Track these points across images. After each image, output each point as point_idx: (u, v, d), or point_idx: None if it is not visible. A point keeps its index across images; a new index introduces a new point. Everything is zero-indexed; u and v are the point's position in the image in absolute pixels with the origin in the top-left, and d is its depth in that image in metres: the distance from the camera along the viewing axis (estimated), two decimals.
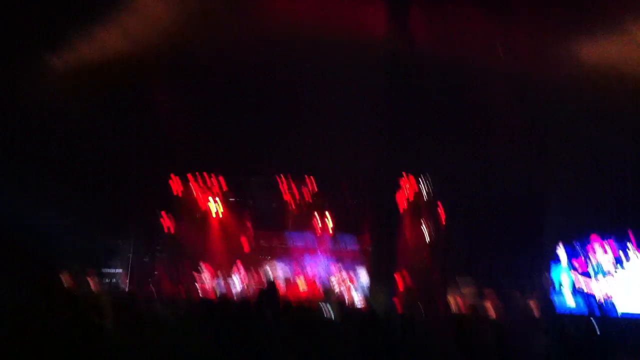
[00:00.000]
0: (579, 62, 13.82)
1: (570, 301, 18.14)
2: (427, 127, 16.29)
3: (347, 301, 19.42)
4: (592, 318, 15.92)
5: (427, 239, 20.83)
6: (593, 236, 18.15)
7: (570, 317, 16.49)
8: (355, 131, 17.35)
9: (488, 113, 15.57)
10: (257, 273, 22.39)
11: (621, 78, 13.73)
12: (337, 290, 21.06)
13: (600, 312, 16.92)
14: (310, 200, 23.79)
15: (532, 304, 17.55)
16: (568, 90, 14.68)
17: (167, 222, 21.70)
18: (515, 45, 13.97)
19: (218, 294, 19.25)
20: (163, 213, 21.50)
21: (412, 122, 16.08)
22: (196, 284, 21.21)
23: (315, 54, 15.63)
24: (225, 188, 23.34)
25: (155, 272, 20.67)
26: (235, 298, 17.07)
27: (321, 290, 20.00)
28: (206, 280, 22.30)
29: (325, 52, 15.43)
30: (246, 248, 24.41)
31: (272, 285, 17.23)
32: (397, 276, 19.22)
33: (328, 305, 13.03)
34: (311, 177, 22.67)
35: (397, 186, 19.16)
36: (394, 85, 15.54)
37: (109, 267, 19.57)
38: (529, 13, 13.59)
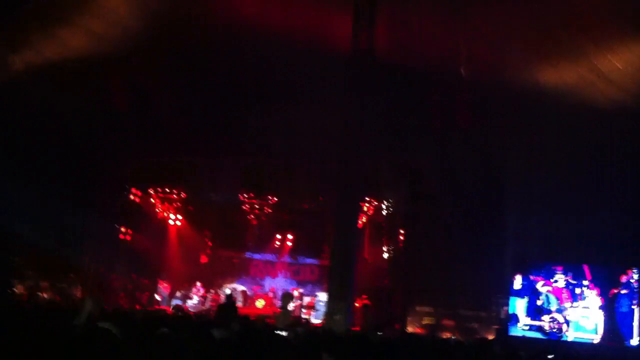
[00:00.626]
0: (536, 82, 14.12)
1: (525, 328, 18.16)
2: (385, 146, 16.37)
3: (304, 320, 19.25)
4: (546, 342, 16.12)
5: (387, 259, 20.83)
6: (554, 268, 18.28)
7: (524, 341, 16.56)
8: (319, 147, 17.34)
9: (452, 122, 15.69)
10: (216, 292, 22.22)
11: (578, 100, 14.07)
12: (293, 309, 20.90)
13: (554, 337, 17.00)
14: (272, 220, 23.74)
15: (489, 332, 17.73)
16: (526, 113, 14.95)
17: (124, 233, 21.37)
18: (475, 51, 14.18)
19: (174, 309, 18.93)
20: (121, 224, 21.16)
21: (372, 139, 16.15)
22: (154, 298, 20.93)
23: (286, 66, 15.67)
24: (185, 202, 23.11)
25: (112, 285, 20.27)
26: (192, 314, 16.80)
27: (280, 297, 19.84)
28: (163, 295, 22.03)
29: (293, 66, 15.49)
30: (205, 266, 24.23)
31: (230, 299, 17.13)
32: (355, 296, 19.23)
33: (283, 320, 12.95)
34: (273, 196, 22.52)
35: (358, 206, 19.21)
36: (356, 94, 15.60)
37: (64, 277, 19.17)
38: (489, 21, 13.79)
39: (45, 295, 17.59)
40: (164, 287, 22.48)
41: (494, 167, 17.61)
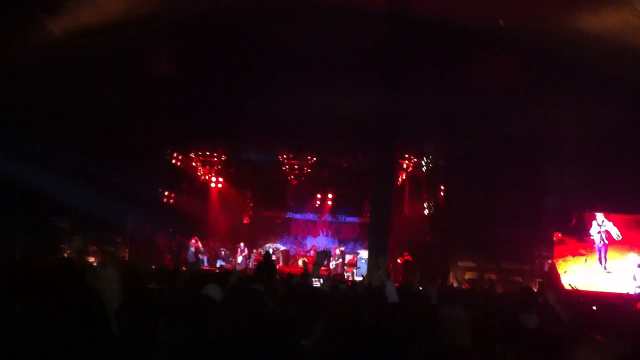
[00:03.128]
0: (580, 30, 13.67)
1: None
2: (427, 99, 16.16)
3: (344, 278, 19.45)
4: None
5: (427, 215, 20.80)
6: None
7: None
8: (357, 105, 17.25)
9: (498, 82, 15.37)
10: (259, 252, 22.53)
11: (622, 47, 13.60)
12: (335, 266, 21.13)
13: None
14: (312, 179, 23.86)
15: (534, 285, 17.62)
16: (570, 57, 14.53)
17: (167, 196, 21.78)
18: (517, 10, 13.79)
19: (218, 268, 19.27)
20: (164, 187, 21.56)
21: (413, 95, 16.01)
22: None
23: (318, 26, 15.54)
24: (226, 163, 23.38)
25: (156, 244, 20.72)
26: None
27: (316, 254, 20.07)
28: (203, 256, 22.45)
29: (324, 22, 15.34)
30: (247, 226, 24.56)
31: (268, 256, 17.35)
32: (396, 251, 19.33)
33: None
34: (312, 155, 22.59)
35: (396, 163, 19.17)
36: (393, 54, 15.46)
37: (110, 238, 19.66)
38: None
39: (92, 259, 18.07)
40: (208, 248, 22.87)
41: (536, 121, 17.30)
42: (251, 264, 21.62)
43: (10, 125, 14.48)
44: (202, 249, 21.84)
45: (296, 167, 23.27)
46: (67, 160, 16.33)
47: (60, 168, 16.18)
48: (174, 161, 22.01)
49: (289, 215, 24.97)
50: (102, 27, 14.12)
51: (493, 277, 18.44)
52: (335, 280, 15.52)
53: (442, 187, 20.01)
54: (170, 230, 21.47)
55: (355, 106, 16.82)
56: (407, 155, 20.89)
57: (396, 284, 15.66)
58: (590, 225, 18.26)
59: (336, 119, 18.30)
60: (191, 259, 20.28)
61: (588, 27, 13.65)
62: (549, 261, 18.83)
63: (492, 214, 18.34)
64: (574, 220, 18.44)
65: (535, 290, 15.63)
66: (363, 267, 20.49)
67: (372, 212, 18.17)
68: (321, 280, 14.02)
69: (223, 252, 22.84)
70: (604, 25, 13.51)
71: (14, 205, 15.31)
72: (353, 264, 21.76)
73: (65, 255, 17.82)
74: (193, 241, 21.62)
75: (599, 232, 18.13)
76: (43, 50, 14.12)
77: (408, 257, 18.91)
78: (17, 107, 14.73)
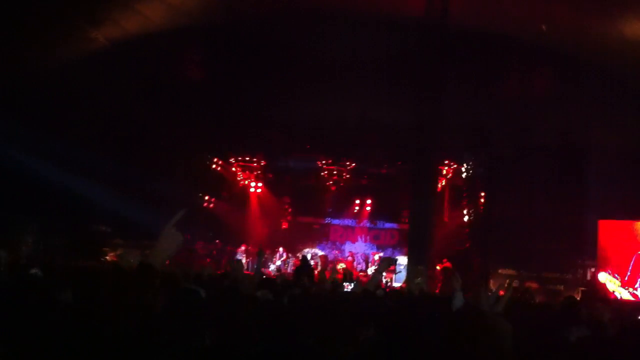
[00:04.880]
0: (618, 40, 13.46)
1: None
2: (470, 106, 16.08)
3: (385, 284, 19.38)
4: None
5: (467, 222, 20.62)
6: None
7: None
8: (396, 113, 17.24)
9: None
10: (297, 257, 22.58)
11: None
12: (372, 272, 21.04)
13: None
14: (351, 185, 23.88)
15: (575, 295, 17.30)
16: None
17: (207, 201, 22.02)
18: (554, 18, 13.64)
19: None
20: (204, 192, 21.81)
21: (453, 103, 15.95)
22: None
23: (357, 35, 15.61)
24: (265, 170, 23.58)
25: (194, 248, 20.90)
26: (274, 277, 17.17)
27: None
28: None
29: (365, 35, 15.42)
30: (285, 231, 24.65)
31: (305, 261, 17.43)
32: (435, 259, 19.17)
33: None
34: (351, 161, 22.65)
35: (436, 169, 19.05)
36: (432, 63, 15.42)
37: (150, 243, 19.89)
38: None
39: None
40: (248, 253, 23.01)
41: (575, 129, 17.06)
42: (289, 268, 21.68)
43: (57, 133, 14.81)
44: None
45: (335, 173, 23.32)
46: (110, 168, 16.65)
47: (104, 176, 16.50)
48: (214, 166, 22.26)
49: (327, 220, 24.99)
50: (144, 36, 14.38)
51: (534, 286, 18.18)
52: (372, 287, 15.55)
53: (483, 195, 19.81)
54: (210, 235, 21.67)
55: (394, 114, 16.84)
56: (446, 162, 20.77)
57: (437, 291, 15.53)
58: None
59: (375, 126, 18.33)
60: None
61: (627, 37, 13.44)
62: (592, 269, 18.50)
63: (533, 222, 18.12)
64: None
65: (579, 299, 15.49)
66: (401, 274, 20.38)
67: (411, 220, 18.09)
68: (352, 285, 14.04)
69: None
70: None
71: (59, 211, 15.66)
72: (392, 270, 21.64)
73: (107, 258, 18.18)
74: (242, 248, 21.81)
75: None
76: (87, 58, 14.43)
77: (447, 264, 18.76)
78: (62, 116, 15.07)
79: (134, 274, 3.23)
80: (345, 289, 12.53)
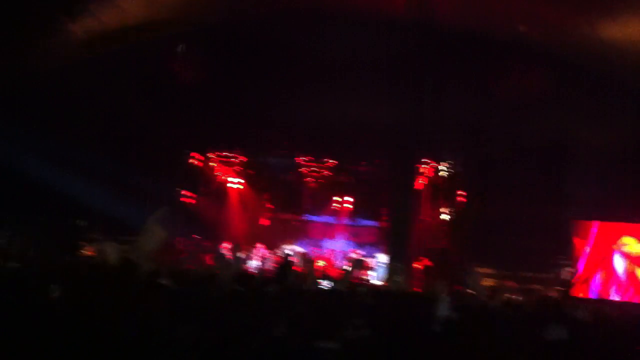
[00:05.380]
0: (604, 41, 13.57)
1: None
2: (448, 101, 16.10)
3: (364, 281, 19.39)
4: None
5: (446, 220, 20.71)
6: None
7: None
8: (377, 111, 17.25)
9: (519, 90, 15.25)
10: (276, 254, 22.49)
11: None
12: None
13: None
14: (330, 183, 23.85)
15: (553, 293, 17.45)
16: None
17: (185, 196, 21.87)
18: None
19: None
20: (183, 187, 21.66)
21: (433, 101, 15.98)
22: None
23: (342, 33, 15.61)
24: (245, 165, 23.46)
25: (172, 243, 20.74)
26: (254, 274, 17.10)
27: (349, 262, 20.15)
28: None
29: (349, 25, 15.40)
30: (265, 228, 24.55)
31: (286, 258, 17.41)
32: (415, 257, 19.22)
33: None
34: (331, 158, 22.63)
35: (415, 168, 19.10)
36: (416, 62, 15.45)
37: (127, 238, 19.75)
38: None
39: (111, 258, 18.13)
40: (225, 249, 22.87)
41: (558, 130, 17.19)
42: (268, 264, 21.57)
43: (38, 128, 14.65)
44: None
45: (315, 170, 23.26)
46: (88, 162, 16.49)
47: (81, 169, 16.34)
48: (192, 161, 22.09)
49: (307, 217, 24.94)
50: (125, 31, 14.26)
51: (511, 284, 18.30)
52: (352, 283, 15.57)
53: (462, 193, 19.89)
54: (188, 230, 21.50)
55: (376, 112, 16.84)
56: (426, 160, 20.81)
57: (416, 289, 15.55)
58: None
59: (355, 123, 18.33)
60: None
61: (612, 38, 13.56)
62: (569, 269, 18.66)
63: (511, 222, 18.23)
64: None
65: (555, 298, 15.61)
66: (380, 271, 20.41)
67: (391, 218, 18.11)
68: (328, 283, 13.99)
69: (239, 254, 22.79)
70: (629, 37, 13.42)
71: (39, 207, 15.50)
72: (369, 268, 21.66)
73: (85, 252, 18.00)
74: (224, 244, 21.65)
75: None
76: (70, 55, 14.28)
77: (427, 263, 18.83)
78: (45, 111, 14.91)
79: (115, 269, 3.18)
80: (321, 286, 12.52)
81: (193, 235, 21.71)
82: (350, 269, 17.30)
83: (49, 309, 3.53)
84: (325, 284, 13.80)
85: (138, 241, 3.80)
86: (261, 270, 20.28)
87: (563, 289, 17.95)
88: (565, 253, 18.83)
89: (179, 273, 8.35)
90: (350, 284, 14.76)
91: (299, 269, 19.15)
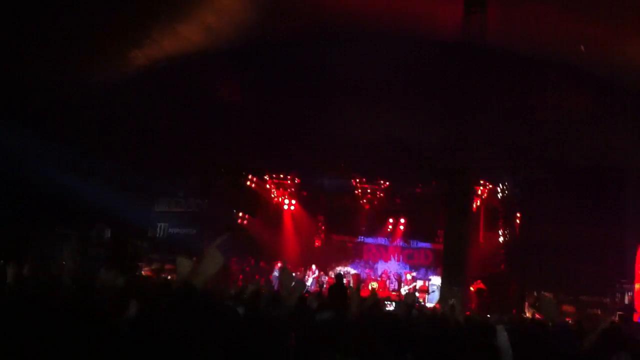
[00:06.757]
0: None
1: None
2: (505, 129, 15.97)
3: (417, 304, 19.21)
4: None
5: (502, 243, 20.40)
6: None
7: None
8: (430, 133, 17.21)
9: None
10: (330, 275, 22.54)
11: None
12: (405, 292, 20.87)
13: None
14: (384, 205, 23.86)
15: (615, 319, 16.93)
16: None
17: (241, 217, 22.15)
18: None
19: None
20: (239, 209, 21.95)
21: (491, 124, 15.87)
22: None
23: (390, 54, 15.68)
24: (299, 187, 23.70)
25: (227, 265, 21.00)
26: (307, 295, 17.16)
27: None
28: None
29: (399, 54, 15.47)
30: (319, 249, 24.65)
31: (339, 279, 17.37)
32: (470, 281, 18.98)
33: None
34: (385, 180, 22.67)
35: (471, 190, 18.93)
36: (468, 84, 15.40)
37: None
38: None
39: (169, 277, 18.48)
40: (278, 269, 23.03)
41: (613, 151, 16.82)
42: (322, 287, 21.61)
43: (94, 151, 15.09)
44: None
45: (369, 192, 23.34)
46: (146, 185, 16.89)
47: (142, 192, 16.75)
48: (248, 183, 22.42)
49: (361, 239, 24.95)
50: (182, 56, 14.62)
51: (570, 309, 17.88)
52: (408, 305, 15.44)
53: (518, 216, 19.59)
54: (244, 253, 21.77)
55: (429, 134, 16.81)
56: (482, 182, 20.62)
57: (467, 313, 15.32)
58: None
59: (409, 146, 18.32)
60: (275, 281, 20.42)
61: None
62: (629, 294, 18.11)
63: (570, 245, 17.84)
64: None
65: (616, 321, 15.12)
66: (435, 294, 20.21)
67: (446, 240, 17.95)
68: (393, 305, 13.91)
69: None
70: None
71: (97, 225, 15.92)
72: (424, 290, 21.47)
73: (143, 273, 18.41)
74: (279, 264, 21.82)
75: None
76: (128, 77, 14.70)
77: (481, 285, 18.57)
78: (100, 134, 15.36)
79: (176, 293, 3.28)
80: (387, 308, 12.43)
81: (249, 257, 21.97)
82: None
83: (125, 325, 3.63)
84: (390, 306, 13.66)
85: (199, 266, 3.89)
86: (315, 291, 20.35)
87: (624, 314, 17.40)
88: (626, 277, 18.29)
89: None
90: (407, 306, 14.66)
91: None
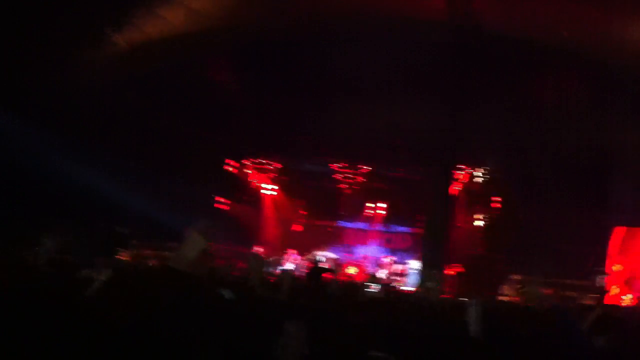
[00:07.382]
0: None
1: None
2: (485, 112, 15.98)
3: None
4: None
5: (481, 228, 20.57)
6: None
7: None
8: (411, 117, 17.20)
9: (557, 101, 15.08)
10: (309, 260, 22.56)
11: None
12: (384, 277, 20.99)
13: None
14: (364, 188, 23.90)
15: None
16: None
17: (220, 202, 22.10)
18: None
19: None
20: (217, 193, 21.88)
21: (470, 107, 15.88)
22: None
23: (375, 37, 15.60)
24: (280, 172, 23.66)
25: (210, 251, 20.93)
26: None
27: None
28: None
29: (385, 36, 15.40)
30: (298, 234, 24.68)
31: (317, 264, 17.44)
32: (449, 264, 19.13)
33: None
34: (366, 164, 22.70)
35: (451, 174, 19.03)
36: (452, 68, 15.39)
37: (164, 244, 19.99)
38: None
39: (150, 263, 18.39)
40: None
41: (598, 136, 16.95)
42: (300, 270, 21.63)
43: (77, 133, 14.94)
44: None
45: (349, 176, 23.36)
46: (128, 170, 16.74)
47: (120, 176, 16.60)
48: (228, 167, 22.35)
49: (340, 223, 25.02)
50: (167, 43, 14.47)
51: (547, 292, 18.07)
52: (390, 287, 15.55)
53: (498, 199, 19.75)
54: (223, 237, 21.71)
55: (411, 118, 16.80)
56: (462, 166, 20.72)
57: (450, 296, 15.43)
58: None
59: (391, 130, 18.31)
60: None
61: None
62: (603, 276, 18.40)
63: (547, 228, 18.02)
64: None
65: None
66: (412, 277, 20.37)
67: (426, 224, 18.05)
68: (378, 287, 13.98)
69: (272, 259, 22.93)
70: None
71: (78, 212, 15.77)
72: (403, 274, 21.61)
73: (122, 258, 18.28)
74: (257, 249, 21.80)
75: None
76: (111, 65, 14.54)
77: (460, 269, 18.74)
78: (88, 119, 15.20)
79: (154, 276, 3.28)
80: (370, 290, 12.47)
81: (228, 242, 21.93)
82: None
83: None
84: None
85: (180, 250, 3.86)
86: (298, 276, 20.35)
87: (598, 296, 17.68)
88: (602, 260, 18.56)
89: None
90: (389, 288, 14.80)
91: (330, 276, 19.21)
